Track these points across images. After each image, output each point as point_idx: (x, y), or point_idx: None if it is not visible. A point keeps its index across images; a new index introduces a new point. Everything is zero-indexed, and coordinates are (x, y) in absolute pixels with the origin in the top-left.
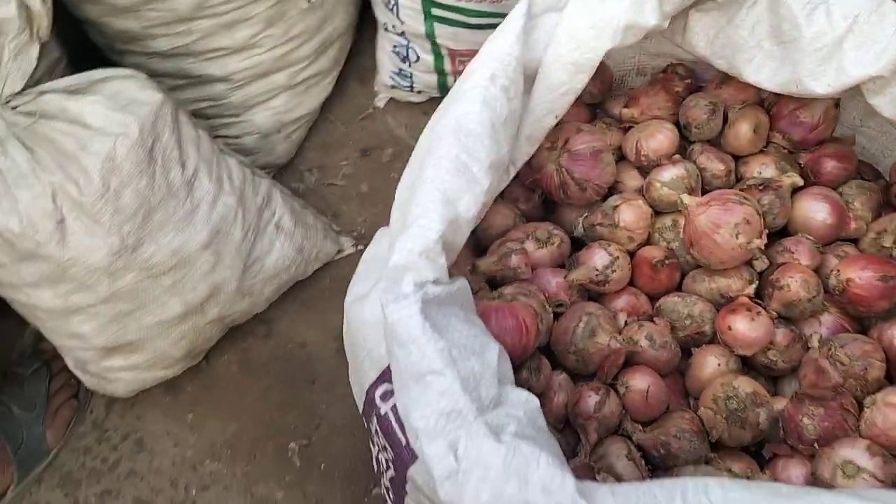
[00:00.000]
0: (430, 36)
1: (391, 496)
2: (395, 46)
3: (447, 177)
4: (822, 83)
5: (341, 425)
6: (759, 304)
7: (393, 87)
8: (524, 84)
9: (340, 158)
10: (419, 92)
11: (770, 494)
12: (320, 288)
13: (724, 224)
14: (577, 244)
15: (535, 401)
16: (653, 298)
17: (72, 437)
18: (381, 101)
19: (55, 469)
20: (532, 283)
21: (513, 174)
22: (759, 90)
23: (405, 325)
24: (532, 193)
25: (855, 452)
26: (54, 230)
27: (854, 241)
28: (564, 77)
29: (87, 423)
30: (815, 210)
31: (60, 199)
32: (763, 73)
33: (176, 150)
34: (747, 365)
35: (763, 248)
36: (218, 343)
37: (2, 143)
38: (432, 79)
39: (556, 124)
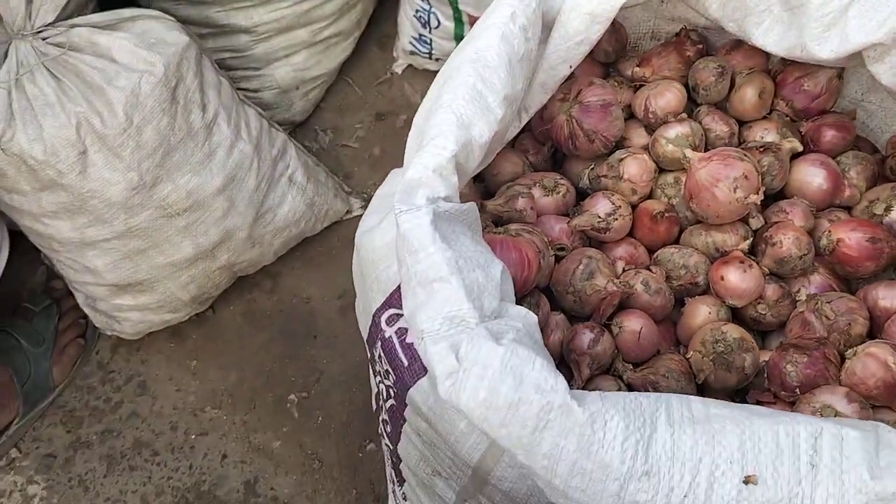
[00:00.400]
0: (453, 1)
1: (389, 430)
2: (416, 11)
3: (463, 102)
4: (826, 48)
5: (340, 381)
6: (752, 259)
7: (412, 52)
8: (542, 32)
9: (355, 121)
10: (437, 59)
11: (749, 413)
12: (328, 246)
13: (724, 178)
14: (583, 197)
15: (534, 317)
16: (651, 251)
17: (77, 376)
18: (398, 68)
19: (59, 406)
20: (536, 226)
21: (524, 120)
22: (767, 59)
23: (416, 233)
24: (542, 146)
25: (834, 398)
26: (76, 161)
27: (848, 209)
28: (581, 26)
29: (92, 363)
30: (811, 175)
31: (84, 130)
32: (770, 37)
33: (198, 93)
34: (737, 318)
35: (759, 204)
36: (224, 294)
37: (31, 71)
38: (451, 46)
39: (570, 77)
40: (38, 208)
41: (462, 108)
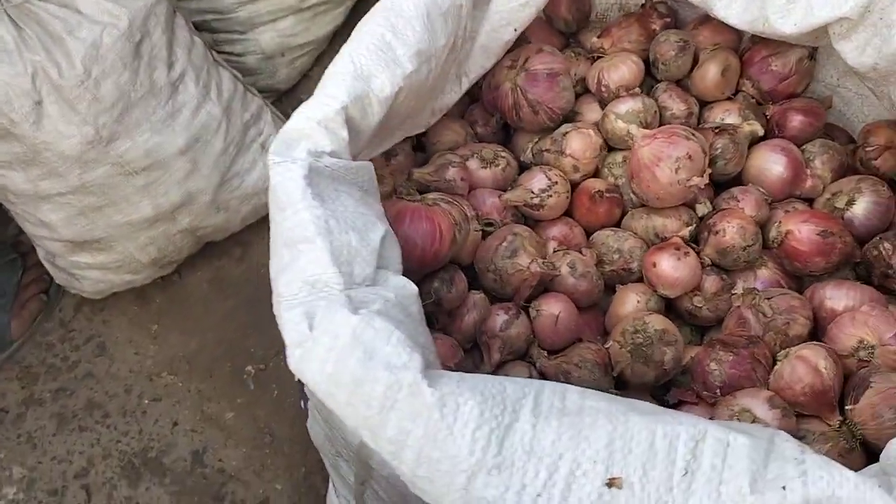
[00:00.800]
0: None
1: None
2: None
3: (365, 52)
4: (789, 22)
5: None
6: (693, 248)
7: None
8: None
9: None
10: None
11: (629, 408)
12: None
13: (666, 157)
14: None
15: (413, 289)
16: (591, 233)
17: (37, 333)
18: None
19: (16, 361)
20: (465, 199)
21: (465, 86)
22: (739, 37)
23: (286, 188)
24: (491, 117)
25: (755, 402)
26: (30, 111)
27: (810, 202)
28: None
29: (54, 320)
30: (770, 162)
31: (40, 80)
32: (733, 8)
33: (165, 51)
34: (673, 311)
35: (708, 189)
36: (192, 259)
37: None
38: None
39: (521, 43)
40: None
41: (363, 59)
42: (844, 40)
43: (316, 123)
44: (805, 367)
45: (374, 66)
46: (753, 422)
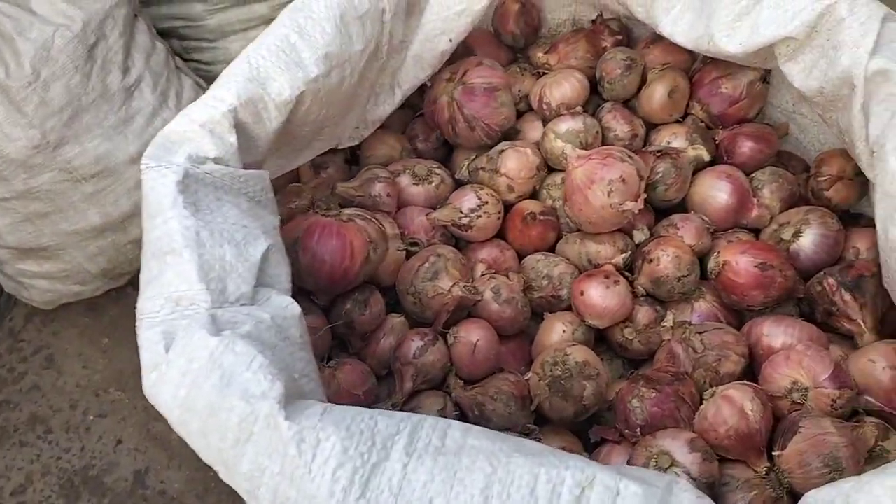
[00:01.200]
0: None
1: None
2: None
3: (265, 53)
4: (734, 41)
5: None
6: (626, 276)
7: None
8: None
9: None
10: None
11: (515, 448)
12: None
13: (599, 180)
14: None
15: (296, 309)
16: (524, 257)
17: None
18: None
19: None
20: (389, 216)
21: (398, 97)
22: (691, 57)
23: (157, 195)
24: (433, 132)
25: (675, 444)
26: None
27: (756, 232)
28: None
29: (3, 330)
30: (715, 189)
31: None
32: (679, 25)
33: (120, 55)
34: (604, 342)
35: (644, 214)
36: None
37: None
38: None
39: (465, 56)
40: None
41: (262, 60)
42: (791, 62)
43: (199, 126)
44: (730, 408)
45: (272, 69)
46: (671, 465)
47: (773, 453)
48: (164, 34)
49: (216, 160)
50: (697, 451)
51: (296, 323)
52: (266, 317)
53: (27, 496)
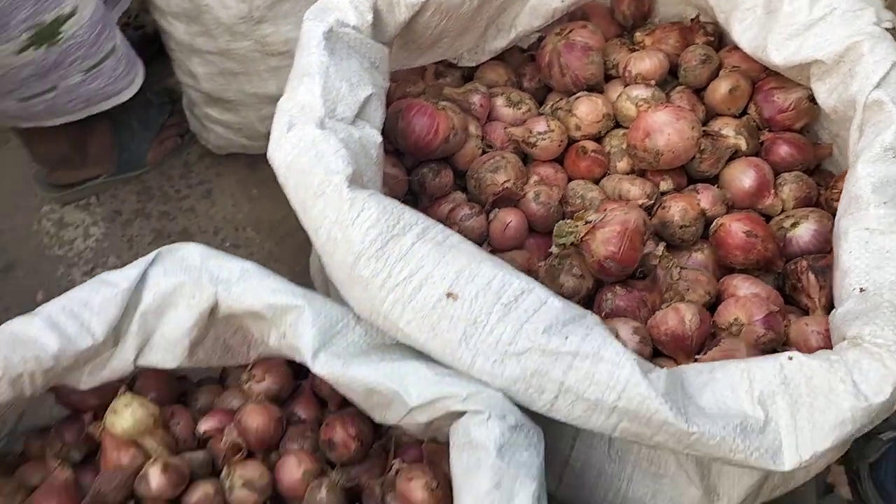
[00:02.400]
0: None
1: None
2: None
3: None
4: (781, 55)
5: None
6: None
7: None
8: None
9: None
10: None
11: (489, 258)
12: None
13: (683, 118)
14: None
15: (378, 139)
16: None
17: (164, 165)
18: None
19: (141, 181)
20: (476, 121)
21: (511, 37)
22: (762, 70)
23: (309, 37)
24: (537, 75)
25: (623, 327)
26: None
27: (768, 218)
28: None
29: (180, 160)
30: (742, 174)
31: None
32: (747, 34)
33: None
34: None
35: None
36: None
37: None
38: None
39: (577, 20)
40: (167, 6)
41: None
42: (819, 81)
43: (348, 2)
44: (675, 315)
45: None
46: (617, 338)
47: (695, 357)
48: None
49: (354, 28)
50: (638, 335)
51: (375, 147)
52: (357, 135)
53: None
